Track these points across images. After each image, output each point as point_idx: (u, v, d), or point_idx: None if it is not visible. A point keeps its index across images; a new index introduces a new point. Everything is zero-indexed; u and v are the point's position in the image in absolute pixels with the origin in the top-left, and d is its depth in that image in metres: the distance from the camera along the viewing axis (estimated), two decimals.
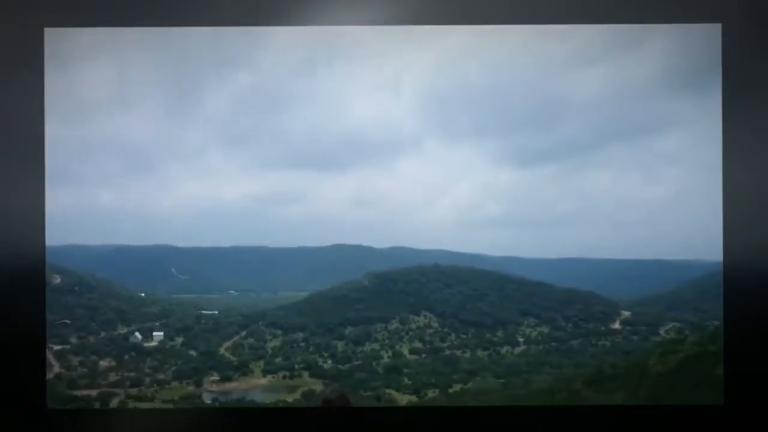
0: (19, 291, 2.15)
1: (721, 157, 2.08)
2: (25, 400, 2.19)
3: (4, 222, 2.15)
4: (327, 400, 2.67)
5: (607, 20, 2.15)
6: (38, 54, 2.16)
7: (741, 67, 2.06)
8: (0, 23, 2.14)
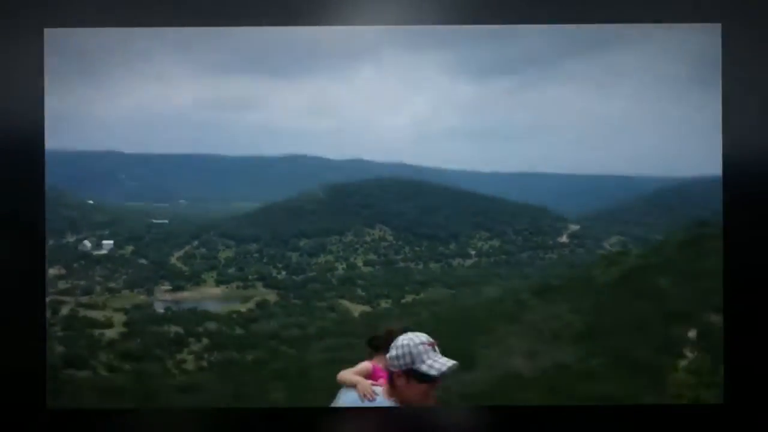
0: (20, 292, 2.12)
1: (721, 158, 2.07)
2: (24, 400, 2.19)
3: None
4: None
5: (607, 20, 2.12)
6: (38, 54, 2.15)
7: (740, 66, 2.04)
8: (0, 23, 2.12)
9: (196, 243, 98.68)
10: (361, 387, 2.24)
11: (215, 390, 38.73)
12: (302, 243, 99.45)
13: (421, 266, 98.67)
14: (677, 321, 36.56)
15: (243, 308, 75.31)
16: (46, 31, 2.16)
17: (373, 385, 2.37)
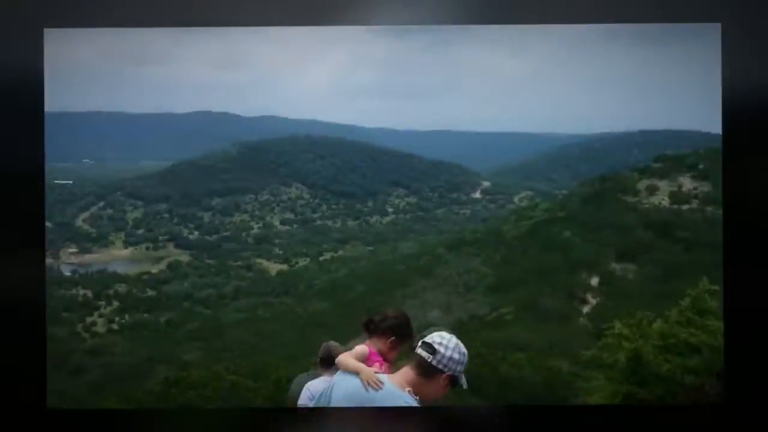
0: (20, 294, 2.09)
1: (721, 157, 2.05)
2: (25, 400, 2.14)
3: None
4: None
5: (607, 19, 2.05)
6: (38, 54, 2.11)
7: (740, 65, 2.00)
8: (0, 24, 2.10)
9: (102, 204, 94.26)
10: (365, 375, 2.14)
11: (127, 352, 37.73)
12: (215, 202, 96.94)
13: (338, 224, 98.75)
14: (581, 270, 38.71)
15: (154, 269, 73.13)
16: (46, 31, 2.14)
17: (376, 372, 2.26)
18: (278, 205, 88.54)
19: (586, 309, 32.61)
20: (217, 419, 2.35)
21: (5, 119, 2.13)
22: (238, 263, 69.47)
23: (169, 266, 66.03)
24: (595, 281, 36.61)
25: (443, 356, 2.10)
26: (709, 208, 49.08)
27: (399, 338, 2.43)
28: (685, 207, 49.11)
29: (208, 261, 68.93)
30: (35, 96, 2.15)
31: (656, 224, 44.24)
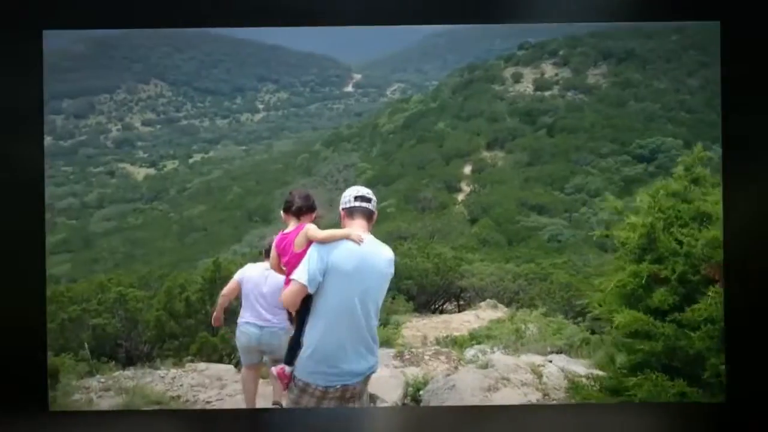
0: (20, 296, 2.14)
1: (721, 157, 2.08)
2: (26, 403, 2.17)
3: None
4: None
5: (607, 18, 2.10)
6: (37, 56, 2.18)
7: (740, 63, 2.04)
8: None
9: None
10: (353, 235, 2.53)
11: None
12: (65, 104, 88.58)
13: (206, 123, 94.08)
14: (454, 159, 39.99)
15: None
16: (45, 33, 2.19)
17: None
18: (137, 104, 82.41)
19: (461, 197, 33.99)
20: (218, 420, 2.44)
21: (5, 119, 2.14)
22: (99, 169, 64.92)
23: None
24: (467, 170, 38.05)
25: (374, 200, 2.67)
26: (569, 93, 51.95)
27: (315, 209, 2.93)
28: (547, 93, 51.46)
29: (65, 168, 63.74)
30: (34, 98, 2.16)
31: (521, 111, 46.25)
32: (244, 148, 66.95)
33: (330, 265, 2.47)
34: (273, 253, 2.77)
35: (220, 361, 5.63)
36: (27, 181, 2.13)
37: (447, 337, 6.54)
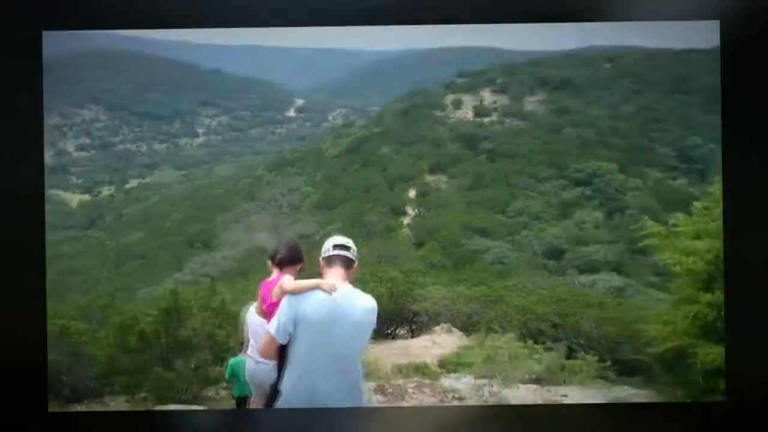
0: (21, 297, 2.11)
1: (721, 156, 2.07)
2: (26, 404, 2.17)
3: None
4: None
5: (607, 18, 2.09)
6: (37, 56, 2.15)
7: (739, 63, 2.03)
8: None
9: None
10: (325, 285, 2.51)
11: None
12: None
13: (144, 147, 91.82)
14: (398, 183, 40.23)
15: None
16: (45, 33, 2.19)
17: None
18: (71, 129, 79.59)
19: (406, 221, 34.10)
20: (215, 421, 2.45)
21: (5, 120, 2.15)
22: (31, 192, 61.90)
23: None
24: (412, 194, 38.31)
25: (354, 249, 2.68)
26: (507, 120, 53.41)
27: (302, 261, 2.97)
28: (486, 120, 52.78)
29: None
30: (34, 98, 2.15)
31: (462, 137, 47.12)
32: (183, 172, 65.34)
33: (300, 315, 2.47)
34: (258, 298, 2.85)
35: (175, 399, 5.32)
36: (27, 181, 2.13)
37: (410, 364, 6.41)
